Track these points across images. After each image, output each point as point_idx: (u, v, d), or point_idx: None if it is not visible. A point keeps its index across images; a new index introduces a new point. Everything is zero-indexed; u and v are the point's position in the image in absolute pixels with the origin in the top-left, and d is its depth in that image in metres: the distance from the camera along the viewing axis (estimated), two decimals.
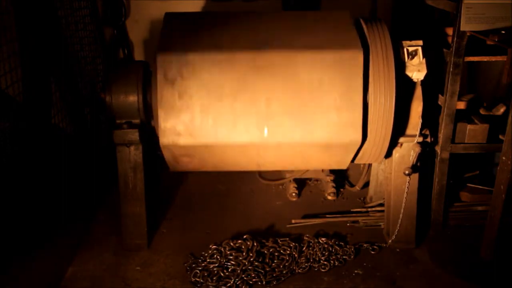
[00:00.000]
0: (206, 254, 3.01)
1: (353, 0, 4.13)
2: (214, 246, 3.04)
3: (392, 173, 3.04)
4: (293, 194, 3.66)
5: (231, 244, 3.05)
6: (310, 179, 3.92)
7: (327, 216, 3.45)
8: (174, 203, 3.68)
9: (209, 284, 2.80)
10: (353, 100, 2.70)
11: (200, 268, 2.90)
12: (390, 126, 2.77)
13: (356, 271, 2.93)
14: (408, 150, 2.98)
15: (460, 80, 2.88)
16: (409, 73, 2.86)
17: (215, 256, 2.97)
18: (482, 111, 3.16)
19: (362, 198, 3.69)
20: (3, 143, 2.95)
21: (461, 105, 3.07)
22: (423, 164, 3.04)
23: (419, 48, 2.86)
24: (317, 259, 2.98)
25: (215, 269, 2.89)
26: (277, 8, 4.27)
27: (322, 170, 3.73)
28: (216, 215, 3.50)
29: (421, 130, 2.94)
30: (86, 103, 3.87)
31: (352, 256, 3.03)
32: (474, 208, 3.31)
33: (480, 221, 2.98)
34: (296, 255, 2.99)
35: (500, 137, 2.91)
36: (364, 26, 2.87)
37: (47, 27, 3.34)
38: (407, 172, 2.95)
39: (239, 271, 2.85)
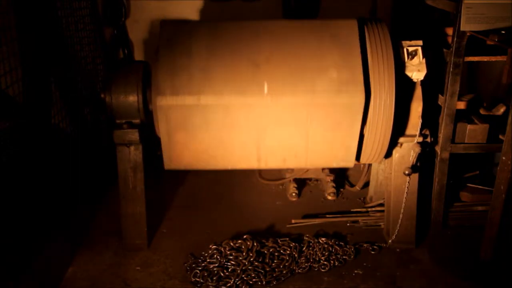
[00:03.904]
0: (206, 254, 3.01)
1: (353, 0, 4.14)
2: (214, 246, 3.04)
3: (392, 173, 3.05)
4: (293, 194, 3.66)
5: (231, 244, 3.05)
6: (310, 179, 3.92)
7: (327, 216, 3.45)
8: (174, 203, 3.68)
9: (209, 284, 2.80)
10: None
11: (200, 268, 2.90)
12: (390, 126, 2.77)
13: (356, 271, 2.93)
14: (408, 150, 2.98)
15: (460, 80, 2.88)
16: (409, 73, 2.86)
17: (215, 256, 2.97)
18: (482, 111, 3.16)
19: (362, 198, 3.69)
20: (3, 143, 2.95)
21: (461, 105, 3.07)
22: (423, 164, 3.04)
23: (419, 48, 2.86)
24: (317, 259, 2.98)
25: (215, 269, 2.89)
26: (277, 8, 4.27)
27: (322, 170, 3.73)
28: (216, 215, 3.50)
29: (421, 130, 2.94)
30: (86, 103, 3.87)
31: (352, 256, 3.03)
32: (474, 208, 3.31)
33: (480, 221, 2.98)
34: (296, 255, 2.99)
35: (500, 137, 2.91)
36: (364, 26, 2.87)
37: (47, 27, 3.34)
38: (407, 172, 2.95)
39: (239, 271, 2.85)
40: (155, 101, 2.73)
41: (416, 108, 2.91)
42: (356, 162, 3.03)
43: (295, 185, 3.70)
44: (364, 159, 3.00)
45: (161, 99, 2.71)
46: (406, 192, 3.02)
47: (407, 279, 2.88)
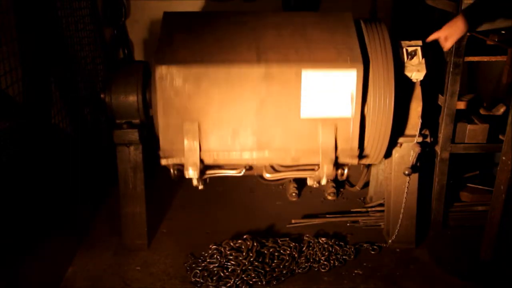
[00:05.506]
0: (206, 254, 3.01)
1: (353, 0, 4.13)
2: (214, 246, 3.04)
3: (392, 173, 3.05)
4: (293, 194, 3.66)
5: (231, 244, 3.05)
6: None
7: (327, 216, 3.45)
8: (174, 203, 3.68)
9: (209, 284, 2.80)
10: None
11: (200, 268, 2.90)
12: (389, 126, 2.77)
13: (356, 271, 2.93)
14: (407, 150, 2.98)
15: (460, 80, 2.88)
16: (408, 73, 2.86)
17: (215, 256, 2.97)
18: (482, 111, 3.16)
19: (362, 198, 3.69)
20: (3, 143, 2.95)
21: (461, 105, 3.07)
22: (423, 164, 3.04)
23: (419, 48, 2.86)
24: (317, 259, 2.98)
25: (215, 269, 2.89)
26: (277, 8, 4.27)
27: None
28: (216, 215, 3.50)
29: (420, 130, 2.94)
30: (86, 103, 3.88)
31: (352, 256, 3.03)
32: (474, 208, 3.31)
33: (480, 221, 2.98)
34: (296, 255, 2.99)
35: (500, 137, 2.91)
36: (364, 27, 2.86)
37: (47, 27, 3.34)
38: (407, 172, 2.95)
39: (239, 271, 2.85)
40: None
41: (416, 108, 2.91)
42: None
43: (295, 185, 3.70)
44: (364, 159, 3.00)
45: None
46: (406, 192, 3.02)
47: (407, 279, 2.88)
